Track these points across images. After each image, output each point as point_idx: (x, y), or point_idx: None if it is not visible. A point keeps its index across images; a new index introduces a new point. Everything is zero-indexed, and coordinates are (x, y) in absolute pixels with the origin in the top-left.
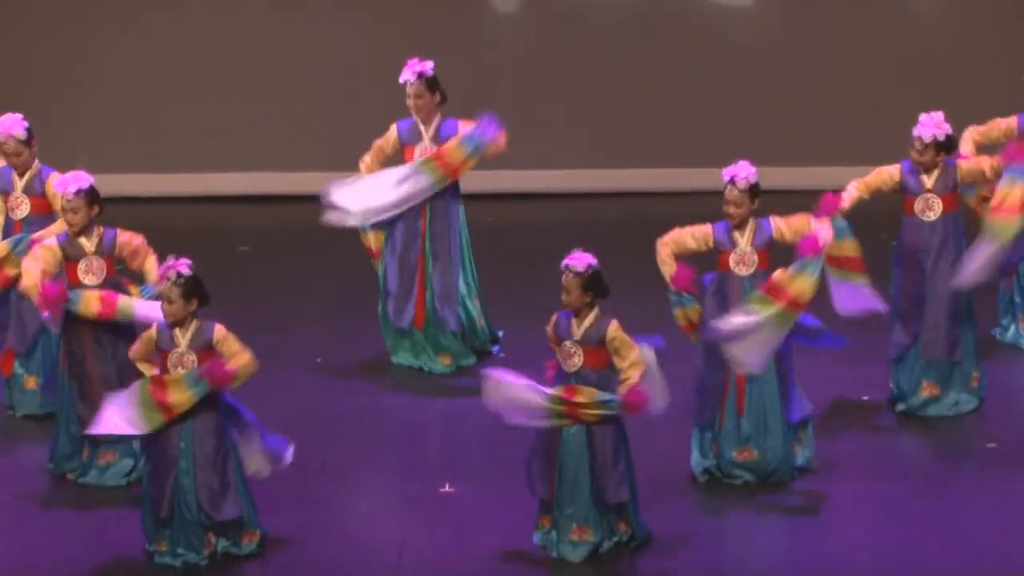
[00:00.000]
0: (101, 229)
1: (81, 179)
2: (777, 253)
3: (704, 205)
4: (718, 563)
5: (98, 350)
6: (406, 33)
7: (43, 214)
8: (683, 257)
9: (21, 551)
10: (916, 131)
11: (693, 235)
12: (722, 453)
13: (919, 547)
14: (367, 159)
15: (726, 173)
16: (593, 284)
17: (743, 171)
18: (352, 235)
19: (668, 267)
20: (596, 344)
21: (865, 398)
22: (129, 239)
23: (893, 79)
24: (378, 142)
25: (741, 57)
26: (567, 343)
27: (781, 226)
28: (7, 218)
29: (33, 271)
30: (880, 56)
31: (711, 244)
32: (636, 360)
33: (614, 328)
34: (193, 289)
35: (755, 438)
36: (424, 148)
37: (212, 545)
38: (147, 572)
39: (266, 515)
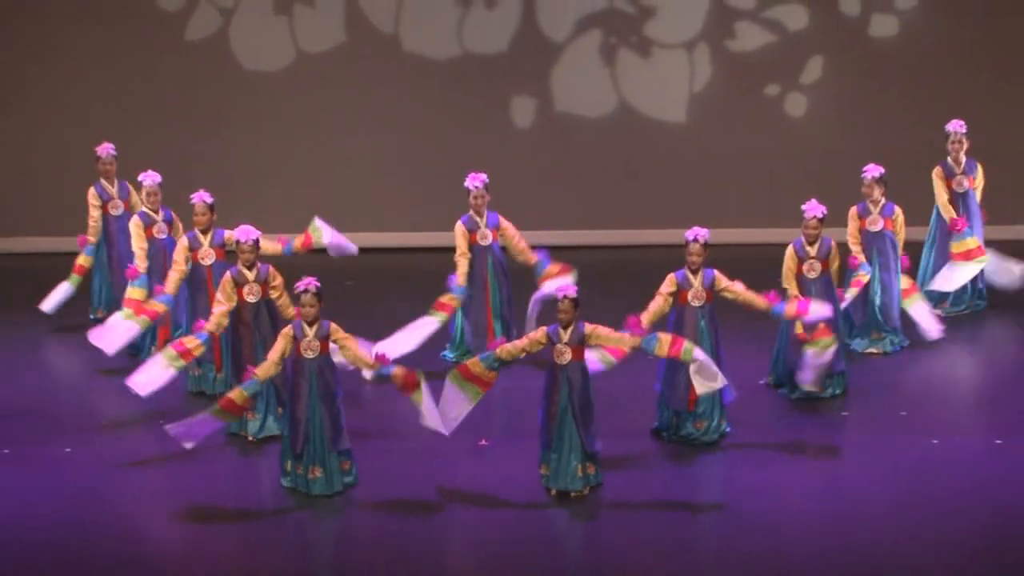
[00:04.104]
0: (259, 265)
1: (251, 232)
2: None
3: (659, 254)
4: (674, 493)
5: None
6: (463, 141)
7: (222, 260)
8: (670, 294)
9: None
10: (807, 212)
11: (671, 281)
12: (681, 423)
13: (804, 479)
14: (460, 250)
15: (688, 234)
16: (578, 304)
17: (701, 232)
18: (425, 280)
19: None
20: (578, 343)
21: (761, 382)
22: (275, 274)
23: (786, 170)
24: (459, 238)
25: (679, 156)
26: (559, 345)
27: (719, 278)
28: (199, 264)
29: (217, 303)
30: (774, 152)
31: (676, 286)
32: (614, 336)
33: (588, 327)
34: (321, 297)
35: (705, 414)
36: (483, 233)
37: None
38: (277, 495)
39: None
